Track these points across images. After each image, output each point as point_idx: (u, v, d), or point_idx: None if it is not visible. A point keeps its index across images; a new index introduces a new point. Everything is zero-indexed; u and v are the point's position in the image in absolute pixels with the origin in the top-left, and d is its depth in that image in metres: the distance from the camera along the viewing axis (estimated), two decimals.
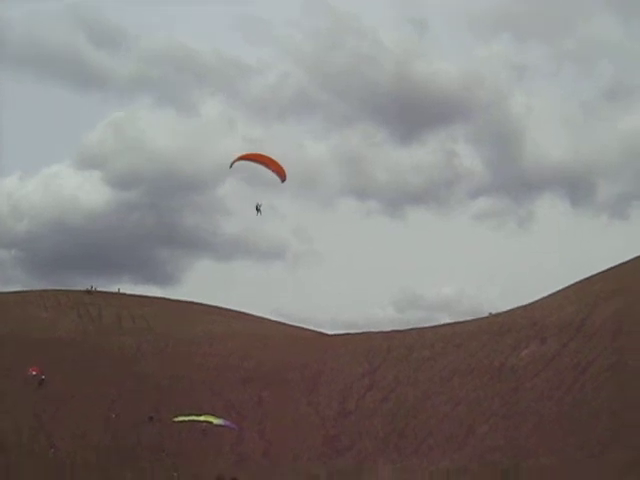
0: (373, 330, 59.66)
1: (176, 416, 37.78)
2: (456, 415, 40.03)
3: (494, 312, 57.42)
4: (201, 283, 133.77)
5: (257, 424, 46.01)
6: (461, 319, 58.89)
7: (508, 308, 55.50)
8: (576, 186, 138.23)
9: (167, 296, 77.20)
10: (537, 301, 53.65)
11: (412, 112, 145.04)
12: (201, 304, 72.76)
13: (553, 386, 37.65)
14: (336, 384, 48.96)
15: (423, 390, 44.54)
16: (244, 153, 29.72)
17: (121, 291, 73.64)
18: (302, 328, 70.87)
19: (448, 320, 61.16)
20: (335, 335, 63.75)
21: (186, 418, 36.75)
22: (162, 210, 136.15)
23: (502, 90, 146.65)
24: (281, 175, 28.78)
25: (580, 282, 53.09)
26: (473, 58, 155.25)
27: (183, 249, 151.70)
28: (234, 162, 28.82)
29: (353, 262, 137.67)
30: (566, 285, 54.26)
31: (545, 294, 54.86)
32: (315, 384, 49.80)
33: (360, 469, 39.19)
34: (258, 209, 29.11)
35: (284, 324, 72.21)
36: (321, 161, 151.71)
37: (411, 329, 57.72)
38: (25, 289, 74.59)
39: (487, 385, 41.66)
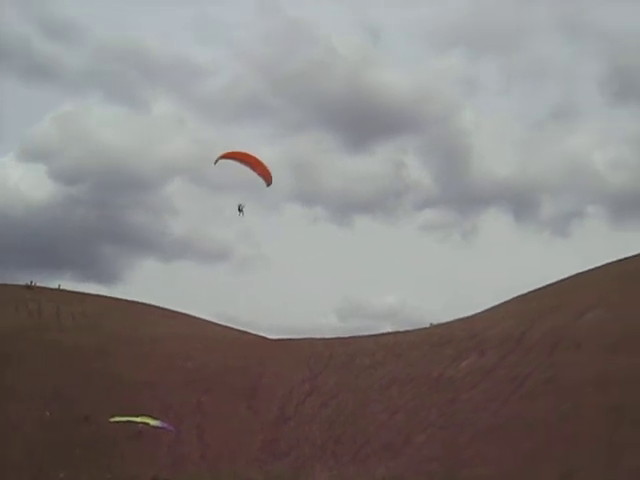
0: (315, 337, 59.92)
1: (113, 416, 37.31)
2: (394, 424, 40.38)
3: (435, 323, 58.23)
4: (145, 283, 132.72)
5: (196, 427, 45.72)
6: (403, 329, 59.56)
7: (449, 320, 56.35)
8: (520, 202, 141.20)
9: (110, 294, 76.35)
10: (478, 314, 54.55)
11: (363, 121, 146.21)
12: (144, 304, 71.88)
13: (490, 398, 38.20)
14: (276, 389, 49.01)
15: (362, 398, 44.83)
16: (230, 151, 28.20)
17: (62, 287, 72.42)
18: (245, 332, 70.62)
19: (390, 329, 61.78)
20: (277, 340, 63.74)
21: (123, 419, 36.29)
22: (108, 207, 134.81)
23: (453, 104, 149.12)
24: (267, 179, 27.51)
25: (521, 297, 54.16)
26: (426, 70, 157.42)
27: (128, 247, 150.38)
28: (218, 159, 27.55)
29: (298, 268, 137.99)
30: (507, 299, 55.30)
31: (486, 307, 55.85)
32: (255, 388, 49.78)
33: (297, 475, 39.28)
34: (240, 210, 28.31)
35: (227, 327, 71.87)
36: (271, 165, 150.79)
37: (353, 337, 58.11)
38: None
39: (425, 395, 42.11)
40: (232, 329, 71.41)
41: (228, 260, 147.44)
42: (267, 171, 27.33)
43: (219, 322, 73.74)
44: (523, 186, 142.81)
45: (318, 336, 60.02)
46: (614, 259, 52.54)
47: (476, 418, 36.97)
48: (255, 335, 69.81)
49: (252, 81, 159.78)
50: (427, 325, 58.91)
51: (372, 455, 38.47)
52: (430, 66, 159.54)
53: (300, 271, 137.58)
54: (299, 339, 60.13)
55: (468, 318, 53.79)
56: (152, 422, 36.62)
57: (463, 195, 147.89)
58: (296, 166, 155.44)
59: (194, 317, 72.41)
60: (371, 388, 45.42)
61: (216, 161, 27.95)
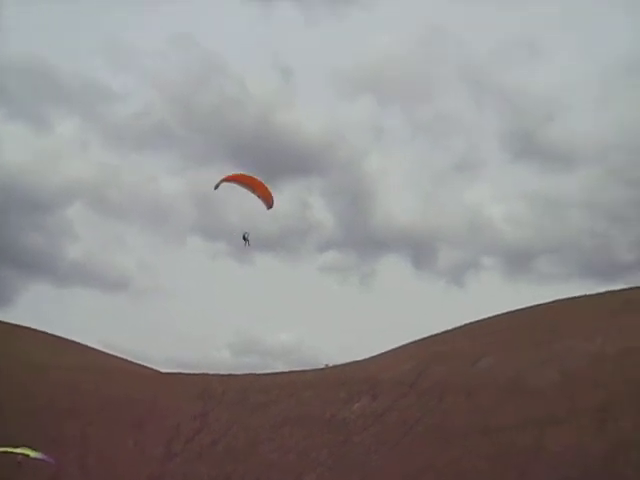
0: (209, 372, 59.09)
1: None
2: (285, 463, 40.11)
3: (330, 364, 58.36)
4: (35, 307, 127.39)
5: (79, 459, 44.04)
6: (297, 368, 59.48)
7: (345, 362, 56.66)
8: (419, 250, 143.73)
9: None
10: (373, 357, 55.08)
11: (271, 159, 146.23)
12: (33, 329, 69.08)
13: (380, 441, 38.54)
14: (165, 424, 47.84)
15: (254, 436, 44.36)
16: (231, 174, 27.10)
17: None
18: (136, 364, 68.85)
19: (284, 368, 61.52)
20: (170, 374, 62.46)
21: (1, 449, 34.65)
22: (1, 225, 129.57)
23: (359, 149, 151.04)
24: (268, 201, 26.36)
25: (415, 342, 55.08)
26: (335, 114, 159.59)
27: (19, 269, 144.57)
28: (220, 183, 26.59)
29: (195, 302, 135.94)
30: (402, 344, 56.10)
31: (381, 351, 56.46)
32: (143, 422, 48.43)
33: None
34: (245, 239, 26.93)
35: (119, 358, 69.91)
36: (174, 197, 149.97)
37: (248, 374, 57.58)
38: None
39: (317, 435, 42.07)
40: (124, 360, 69.50)
41: (125, 289, 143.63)
42: (268, 193, 26.25)
43: (111, 352, 71.69)
44: (423, 234, 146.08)
45: (211, 372, 59.23)
46: (505, 310, 54.32)
47: (366, 460, 37.20)
48: (147, 367, 68.18)
49: (162, 110, 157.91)
50: (322, 366, 59.01)
51: None
52: (339, 111, 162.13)
53: (197, 305, 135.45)
54: (192, 374, 59.10)
55: (363, 361, 54.24)
56: (32, 454, 35.04)
57: (364, 239, 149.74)
58: (200, 200, 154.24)
59: (85, 346, 70.10)
60: (263, 427, 45.00)
61: (217, 186, 26.73)
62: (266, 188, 26.86)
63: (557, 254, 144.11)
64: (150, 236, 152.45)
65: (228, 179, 27.12)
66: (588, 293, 54.13)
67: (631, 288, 52.90)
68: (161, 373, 64.23)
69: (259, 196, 26.63)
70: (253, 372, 58.66)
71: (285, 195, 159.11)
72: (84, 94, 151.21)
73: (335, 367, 55.60)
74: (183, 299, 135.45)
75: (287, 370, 58.93)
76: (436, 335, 54.55)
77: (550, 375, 38.31)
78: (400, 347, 55.54)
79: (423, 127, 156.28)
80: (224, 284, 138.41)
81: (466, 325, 54.64)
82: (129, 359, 70.12)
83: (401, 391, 43.21)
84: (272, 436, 43.46)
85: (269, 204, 26.88)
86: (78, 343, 70.15)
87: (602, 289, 54.63)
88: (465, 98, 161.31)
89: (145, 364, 69.22)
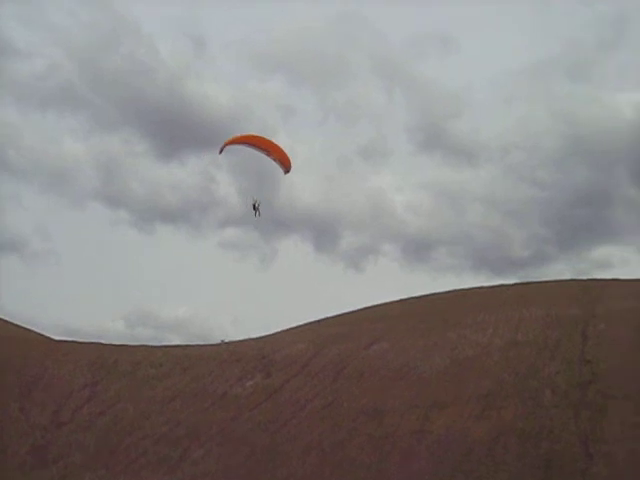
0: (102, 341, 58.12)
1: None
2: (173, 437, 39.89)
3: (226, 340, 58.38)
4: None
5: None
6: (193, 342, 59.26)
7: (241, 338, 56.78)
8: (322, 232, 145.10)
9: None
10: (269, 336, 55.38)
11: (178, 130, 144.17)
12: None
13: (270, 419, 38.83)
14: (53, 392, 46.81)
15: (143, 409, 43.90)
16: (240, 135, 23.79)
17: None
18: (27, 329, 67.03)
19: (179, 342, 61.22)
20: (61, 341, 61.05)
21: None
22: None
23: (268, 127, 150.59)
24: (285, 165, 23.67)
25: (311, 323, 55.71)
26: (245, 90, 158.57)
27: None
28: (225, 146, 23.49)
29: (92, 270, 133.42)
30: (299, 324, 56.64)
31: (277, 330, 56.86)
32: (30, 390, 47.26)
33: None
34: (256, 208, 24.39)
35: (8, 322, 67.86)
36: (77, 161, 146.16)
37: (141, 345, 56.89)
38: None
39: (208, 411, 42.01)
40: (13, 324, 67.51)
41: (18, 252, 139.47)
42: (286, 157, 23.87)
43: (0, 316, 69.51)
44: (326, 217, 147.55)
45: (104, 341, 58.26)
46: (402, 297, 55.70)
47: (254, 438, 37.44)
48: (38, 334, 66.47)
49: (69, 72, 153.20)
50: (218, 341, 58.96)
51: (146, 467, 37.76)
52: (250, 86, 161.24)
53: (93, 273, 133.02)
54: (84, 342, 57.90)
55: (259, 339, 54.46)
56: None
57: (267, 218, 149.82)
58: (103, 165, 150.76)
59: None
60: (154, 400, 44.61)
61: (221, 149, 23.91)
62: (282, 150, 24.70)
63: (454, 246, 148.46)
64: (49, 199, 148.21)
65: (236, 141, 24.32)
66: (481, 285, 56.12)
67: (522, 283, 55.11)
68: (52, 340, 62.72)
69: (275, 159, 24.57)
70: (147, 344, 58.08)
71: (190, 167, 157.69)
72: None
73: (230, 343, 55.63)
74: (79, 266, 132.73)
75: (182, 344, 58.68)
76: (332, 317, 55.35)
77: (440, 362, 39.51)
78: (296, 327, 56.07)
79: (333, 111, 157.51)
80: (122, 253, 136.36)
81: (362, 309, 55.69)
82: (19, 324, 68.19)
83: (294, 370, 43.65)
84: (162, 409, 43.15)
85: (286, 168, 24.82)
86: None
87: (495, 283, 56.76)
88: (377, 86, 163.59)
89: (36, 330, 67.53)
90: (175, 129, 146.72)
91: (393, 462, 32.08)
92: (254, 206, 25.29)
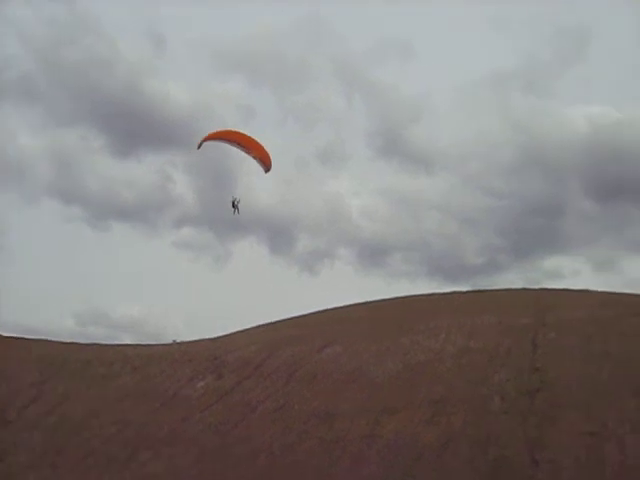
0: (51, 339, 57.28)
1: None
2: (121, 437, 39.44)
3: (178, 340, 58.04)
4: None
5: None
6: (144, 342, 58.75)
7: (193, 339, 56.43)
8: (278, 235, 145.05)
9: None
10: (222, 337, 55.13)
11: (136, 127, 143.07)
12: None
13: (221, 421, 38.63)
14: (0, 390, 46.09)
15: (92, 408, 43.34)
16: (219, 130, 22.87)
17: None
18: None
19: (130, 341, 60.67)
20: (8, 337, 59.95)
21: None
22: None
23: (228, 127, 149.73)
24: (265, 163, 22.67)
25: (264, 325, 55.58)
26: (206, 89, 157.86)
27: None
28: (203, 141, 22.45)
29: (43, 266, 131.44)
30: (252, 326, 56.48)
31: (230, 331, 56.65)
32: None
33: None
34: (235, 205, 23.64)
35: None
36: (31, 155, 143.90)
37: (92, 344, 56.27)
38: None
39: (158, 411, 41.64)
40: None
41: None
42: (266, 154, 22.93)
43: None
44: (282, 220, 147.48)
45: (53, 339, 57.42)
46: (356, 302, 55.89)
47: (204, 439, 37.21)
48: None
49: (26, 64, 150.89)
50: (170, 341, 58.57)
51: (94, 468, 37.27)
52: (211, 86, 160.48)
53: (44, 269, 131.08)
54: (32, 339, 57.05)
55: (211, 340, 54.19)
56: None
57: (223, 219, 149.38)
58: (58, 160, 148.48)
59: None
60: (103, 399, 44.08)
61: (199, 145, 23.08)
62: (263, 149, 24.16)
63: (409, 252, 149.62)
64: (1, 195, 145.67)
65: (215, 136, 23.72)
66: (435, 292, 56.57)
67: (475, 291, 55.68)
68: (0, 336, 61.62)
69: (255, 157, 24.03)
70: (98, 342, 57.44)
71: (147, 166, 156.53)
72: None
73: (182, 344, 55.29)
74: (30, 261, 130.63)
75: (134, 343, 58.14)
76: (285, 320, 55.29)
77: (392, 367, 39.67)
78: (249, 329, 55.90)
79: (292, 113, 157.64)
80: (75, 250, 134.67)
81: (316, 312, 55.72)
82: None
83: (246, 372, 43.50)
84: (111, 409, 42.63)
85: (267, 167, 24.35)
86: None
87: (449, 290, 57.29)
88: (337, 90, 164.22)
89: None
90: (133, 126, 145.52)
91: (343, 466, 32.11)
92: (233, 204, 25.05)
